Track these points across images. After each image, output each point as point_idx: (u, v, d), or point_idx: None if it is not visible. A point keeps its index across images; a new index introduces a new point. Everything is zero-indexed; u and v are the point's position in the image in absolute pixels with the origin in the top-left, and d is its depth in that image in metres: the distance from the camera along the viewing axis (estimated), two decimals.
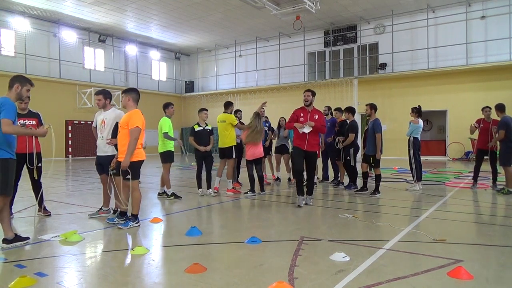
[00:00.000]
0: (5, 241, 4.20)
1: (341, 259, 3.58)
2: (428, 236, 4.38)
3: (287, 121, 6.66)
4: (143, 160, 5.17)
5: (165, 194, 7.48)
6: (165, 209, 6.51)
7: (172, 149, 7.47)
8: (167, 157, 7.38)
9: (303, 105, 6.64)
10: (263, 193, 7.91)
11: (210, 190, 7.75)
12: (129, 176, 5.03)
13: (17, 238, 4.28)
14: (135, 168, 5.02)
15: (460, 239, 4.37)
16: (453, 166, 15.15)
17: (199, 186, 7.77)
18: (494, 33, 17.31)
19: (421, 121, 8.27)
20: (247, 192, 7.81)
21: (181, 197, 7.39)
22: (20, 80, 4.31)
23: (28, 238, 4.41)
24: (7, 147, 4.11)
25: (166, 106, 7.57)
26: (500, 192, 7.72)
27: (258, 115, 7.71)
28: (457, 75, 18.10)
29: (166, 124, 7.31)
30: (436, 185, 9.09)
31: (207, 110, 7.97)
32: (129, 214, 5.23)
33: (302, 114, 6.52)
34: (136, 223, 5.06)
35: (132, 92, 5.17)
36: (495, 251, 4.01)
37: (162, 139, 7.35)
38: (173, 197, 7.34)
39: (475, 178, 8.50)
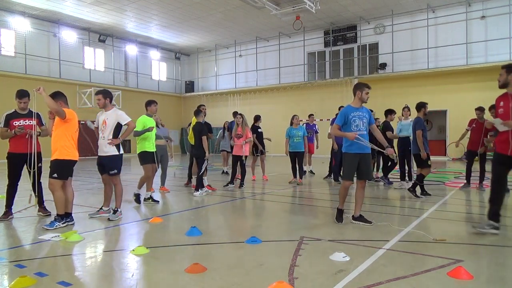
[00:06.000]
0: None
1: (341, 259, 3.58)
2: (428, 236, 4.38)
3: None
4: (75, 161, 5.12)
5: (140, 197, 6.96)
6: (165, 209, 6.51)
7: (148, 150, 6.92)
8: (141, 159, 6.93)
9: (507, 92, 4.64)
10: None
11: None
12: (55, 175, 4.89)
13: (362, 218, 5.06)
14: (63, 167, 4.96)
15: (460, 239, 4.37)
16: (453, 166, 15.14)
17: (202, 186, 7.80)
18: (494, 33, 17.30)
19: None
20: (227, 185, 8.80)
21: (158, 201, 6.98)
22: (359, 86, 5.12)
23: (371, 222, 5.01)
24: (349, 145, 5.02)
25: (148, 104, 7.26)
26: None
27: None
28: (457, 75, 18.08)
29: (138, 122, 6.79)
30: (436, 185, 9.09)
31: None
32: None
33: (502, 103, 4.64)
34: (62, 223, 4.90)
35: (60, 96, 5.33)
36: (495, 251, 4.01)
37: (139, 139, 6.92)
38: (150, 200, 6.87)
39: (467, 179, 8.48)
